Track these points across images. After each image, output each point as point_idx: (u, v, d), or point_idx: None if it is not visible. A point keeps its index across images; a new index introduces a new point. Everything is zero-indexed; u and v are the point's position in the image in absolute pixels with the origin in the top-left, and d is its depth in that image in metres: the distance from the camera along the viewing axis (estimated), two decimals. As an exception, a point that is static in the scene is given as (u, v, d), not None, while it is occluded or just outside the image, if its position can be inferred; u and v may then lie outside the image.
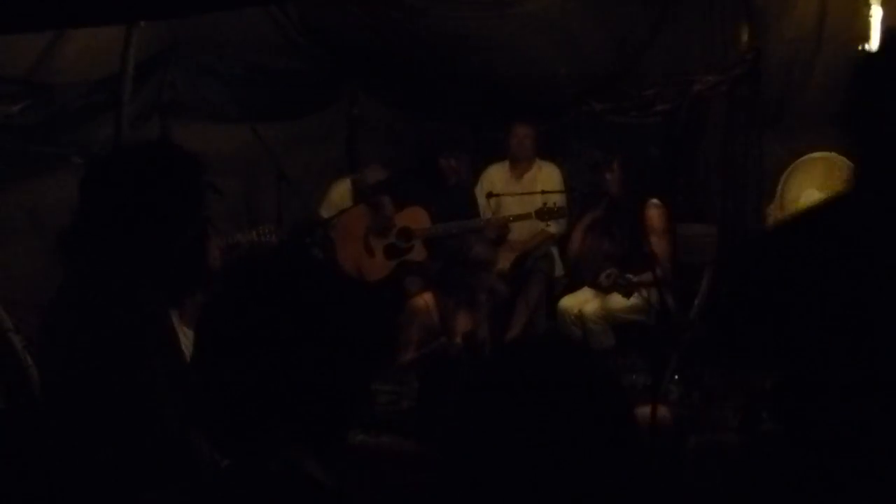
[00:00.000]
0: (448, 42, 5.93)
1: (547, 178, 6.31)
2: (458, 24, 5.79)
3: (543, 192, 5.94)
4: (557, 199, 5.91)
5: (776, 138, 5.68)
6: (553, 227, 6.17)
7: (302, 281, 1.41)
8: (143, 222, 2.12)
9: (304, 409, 1.35)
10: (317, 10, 6.02)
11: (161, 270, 2.16)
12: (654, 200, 5.64)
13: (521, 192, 6.15)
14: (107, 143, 4.99)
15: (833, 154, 5.09)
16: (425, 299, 4.93)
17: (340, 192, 6.24)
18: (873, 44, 4.74)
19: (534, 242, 6.26)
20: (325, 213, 6.17)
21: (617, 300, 5.56)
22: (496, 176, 6.43)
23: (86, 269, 2.13)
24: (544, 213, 5.85)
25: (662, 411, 4.09)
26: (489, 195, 6.10)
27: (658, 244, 5.52)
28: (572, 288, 5.98)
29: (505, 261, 6.00)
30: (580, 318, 5.70)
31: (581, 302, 5.78)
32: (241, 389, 1.34)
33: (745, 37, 5.86)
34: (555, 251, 6.30)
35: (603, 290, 5.55)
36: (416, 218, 5.94)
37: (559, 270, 6.29)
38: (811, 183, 5.30)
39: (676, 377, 4.81)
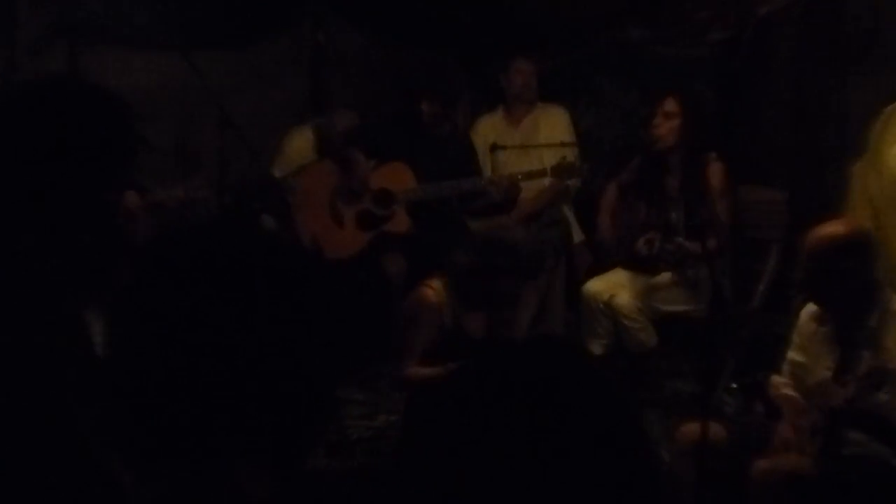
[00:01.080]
0: None
1: (552, 123, 6.40)
2: None
3: (552, 145, 6.08)
4: (570, 153, 6.01)
5: (864, 78, 5.78)
6: (571, 189, 6.26)
7: (248, 258, 1.41)
8: (44, 186, 2.08)
9: (249, 422, 1.37)
10: None
11: (70, 249, 2.13)
12: (713, 155, 5.65)
13: (521, 143, 6.26)
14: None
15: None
16: (435, 289, 4.76)
17: (300, 144, 6.30)
18: None
19: (541, 204, 6.30)
20: (280, 170, 6.23)
21: (660, 283, 5.59)
22: (488, 127, 6.53)
23: None
24: (563, 170, 5.89)
25: (716, 429, 4.08)
26: (493, 147, 6.16)
27: (717, 209, 5.55)
28: (600, 268, 6.03)
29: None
30: (610, 308, 5.71)
31: (612, 286, 5.79)
32: (167, 398, 1.35)
33: None
34: (569, 213, 6.38)
35: (643, 262, 5.56)
36: (397, 177, 5.97)
37: (578, 235, 6.37)
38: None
39: (734, 385, 4.81)
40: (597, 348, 5.73)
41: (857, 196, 5.46)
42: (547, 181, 6.10)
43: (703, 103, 6.14)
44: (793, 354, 4.23)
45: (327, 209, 5.97)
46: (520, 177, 5.98)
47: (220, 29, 6.31)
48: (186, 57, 5.61)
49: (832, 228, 4.11)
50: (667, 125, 5.60)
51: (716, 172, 5.63)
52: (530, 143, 6.24)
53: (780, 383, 4.25)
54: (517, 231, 5.16)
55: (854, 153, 5.53)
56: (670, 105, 5.61)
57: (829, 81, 5.86)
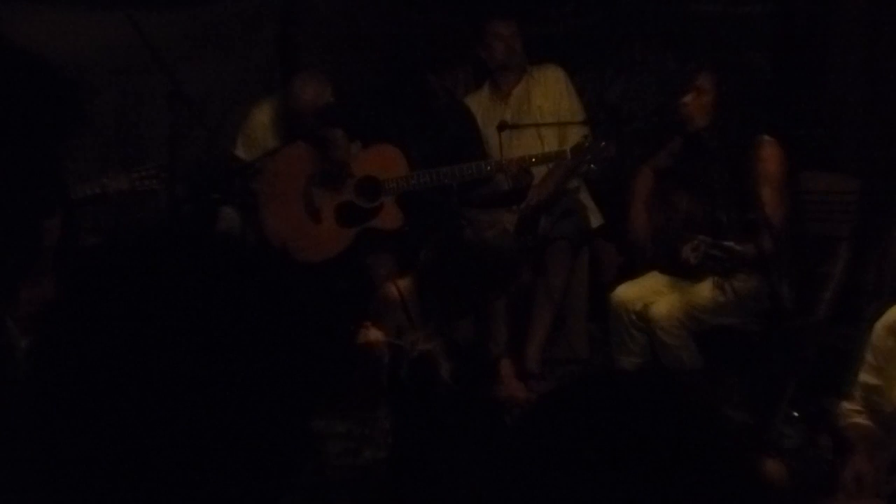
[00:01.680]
0: None
1: (546, 91, 6.46)
2: None
3: (554, 123, 6.22)
4: (574, 115, 6.22)
5: None
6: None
7: (204, 263, 1.42)
8: None
9: (207, 464, 1.36)
10: None
11: None
12: (767, 137, 5.65)
13: (515, 116, 6.36)
14: None
15: None
16: (400, 288, 4.94)
17: (266, 121, 6.32)
18: None
19: (547, 191, 6.28)
20: (244, 152, 6.25)
21: (705, 291, 5.59)
22: (472, 103, 6.56)
23: None
24: (584, 151, 5.89)
25: (773, 466, 4.15)
26: (502, 126, 6.12)
27: (770, 202, 5.52)
28: (632, 270, 6.03)
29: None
30: (645, 320, 5.72)
31: (647, 293, 5.80)
32: (104, 436, 1.35)
33: None
34: (586, 196, 6.43)
35: (689, 269, 5.57)
36: (386, 162, 5.97)
37: (597, 219, 6.40)
38: None
39: (794, 414, 4.80)
40: (629, 364, 5.75)
41: None
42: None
43: (752, 74, 6.25)
44: (865, 377, 4.16)
45: (301, 201, 5.97)
46: (533, 160, 5.98)
47: None
48: (130, 17, 5.64)
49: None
50: (696, 103, 5.62)
51: (769, 157, 5.62)
52: (523, 120, 6.27)
53: (851, 411, 4.18)
54: (491, 232, 5.29)
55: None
56: (703, 80, 5.63)
57: None
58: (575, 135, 6.10)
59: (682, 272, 5.67)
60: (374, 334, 4.80)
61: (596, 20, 6.63)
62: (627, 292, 5.83)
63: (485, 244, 4.97)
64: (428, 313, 4.97)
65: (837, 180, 6.05)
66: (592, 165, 5.96)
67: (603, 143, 5.87)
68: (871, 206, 5.84)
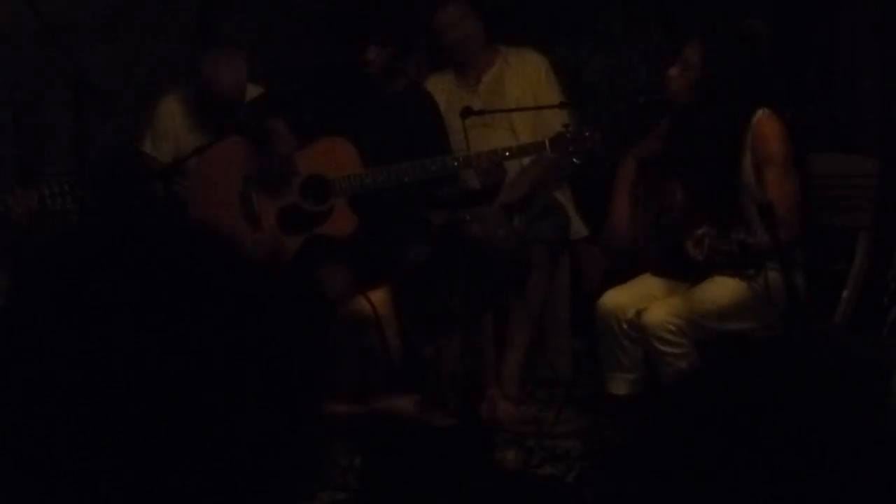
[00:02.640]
0: None
1: (524, 79, 6.46)
2: None
3: (530, 108, 6.17)
4: (551, 98, 6.18)
5: None
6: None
7: (130, 278, 1.44)
8: None
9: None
10: None
11: None
12: (765, 110, 5.57)
13: (488, 104, 6.31)
14: None
15: None
16: (376, 302, 4.83)
17: (178, 112, 6.32)
18: None
19: (523, 187, 6.29)
20: (154, 149, 6.28)
21: (708, 293, 5.51)
22: (436, 90, 6.52)
23: None
24: (565, 142, 5.85)
25: None
26: (465, 113, 6.05)
27: (776, 186, 5.44)
28: (619, 275, 5.91)
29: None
30: (639, 328, 5.60)
31: (639, 299, 5.70)
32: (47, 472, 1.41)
33: None
34: (567, 199, 6.43)
35: (693, 268, 5.45)
36: (335, 158, 5.94)
37: (580, 229, 6.39)
38: None
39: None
40: (620, 387, 5.67)
41: None
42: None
43: (751, 43, 6.02)
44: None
45: (237, 204, 5.90)
46: (506, 153, 5.92)
47: None
48: None
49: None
50: (683, 77, 5.56)
51: (769, 135, 5.53)
52: (495, 107, 6.25)
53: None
54: (494, 224, 5.32)
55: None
56: (691, 51, 5.57)
57: None
58: (554, 124, 6.02)
59: (683, 273, 5.58)
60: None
61: None
62: (617, 298, 5.71)
63: (498, 242, 4.93)
64: (406, 333, 4.90)
65: (855, 162, 6.00)
66: (575, 160, 5.93)
67: (587, 133, 5.84)
68: (893, 191, 5.79)
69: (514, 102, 6.43)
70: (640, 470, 1.45)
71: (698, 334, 5.51)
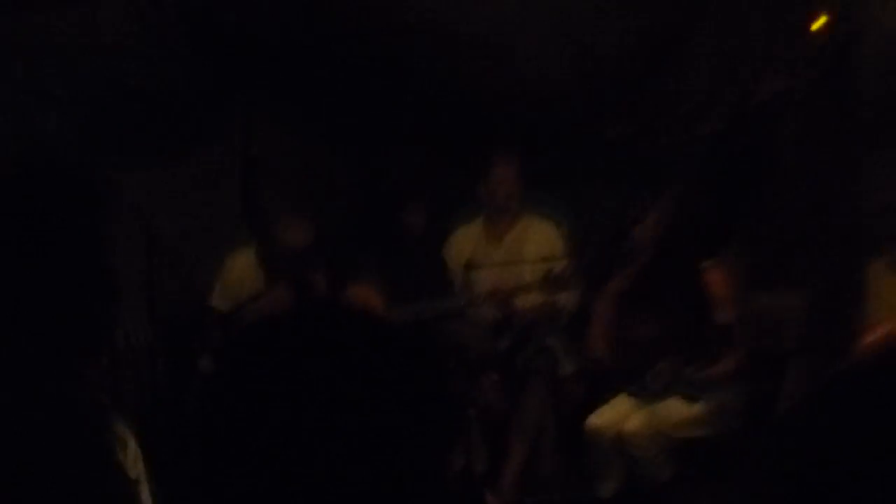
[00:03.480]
0: (401, 36, 6.52)
1: (540, 239, 6.81)
2: (419, 10, 6.45)
3: (544, 260, 6.51)
4: (563, 266, 6.46)
5: (881, 166, 6.38)
6: (567, 301, 6.65)
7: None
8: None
9: None
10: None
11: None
12: (716, 259, 6.22)
13: (504, 259, 6.69)
14: None
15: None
16: None
17: (244, 268, 6.59)
18: None
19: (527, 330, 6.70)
20: (222, 300, 6.53)
21: (673, 409, 6.03)
22: (465, 240, 6.91)
23: None
24: (551, 283, 6.34)
25: None
26: (468, 266, 6.60)
27: (727, 322, 6.07)
28: (599, 396, 6.44)
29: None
30: (620, 441, 6.11)
31: (618, 417, 6.20)
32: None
33: (825, 18, 6.43)
34: (558, 342, 6.76)
35: (651, 397, 6.02)
36: (364, 300, 6.16)
37: (568, 366, 6.70)
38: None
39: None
40: (607, 490, 6.14)
41: (877, 302, 6.17)
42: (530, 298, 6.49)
43: (693, 205, 6.68)
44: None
45: None
46: (503, 294, 6.44)
47: (143, 141, 6.82)
48: (106, 173, 5.67)
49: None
50: (646, 230, 6.15)
51: (716, 280, 6.11)
52: (513, 259, 6.64)
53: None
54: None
55: (873, 253, 6.24)
56: (658, 207, 6.22)
57: (846, 172, 6.39)
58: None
59: (648, 395, 6.12)
60: None
61: (545, 164, 7.08)
62: (601, 419, 6.23)
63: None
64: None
65: (785, 298, 6.38)
66: (562, 305, 6.49)
67: (569, 273, 6.38)
68: (819, 321, 6.21)
69: (530, 264, 6.61)
70: None
71: (668, 443, 5.98)
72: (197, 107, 7.08)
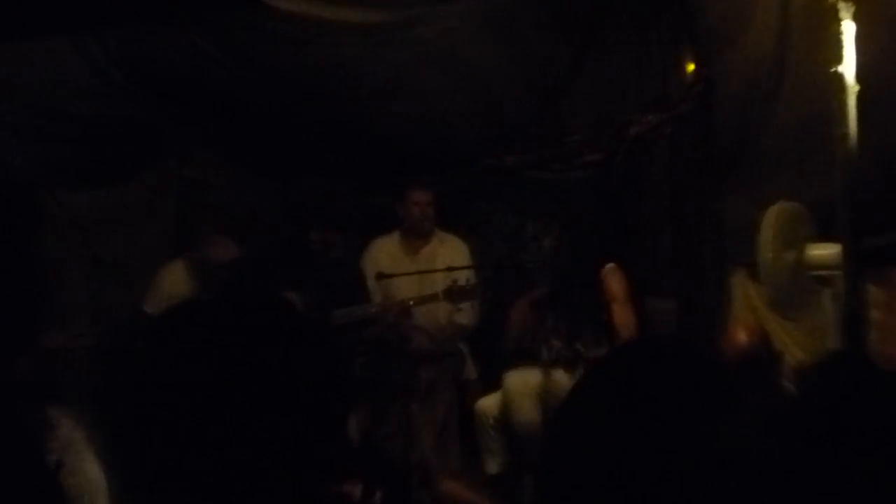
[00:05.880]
0: (316, 77, 6.86)
1: (451, 253, 7.27)
2: (330, 53, 6.73)
3: (450, 269, 6.95)
4: (467, 277, 6.90)
5: (738, 188, 7.04)
6: (464, 317, 7.11)
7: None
8: None
9: None
10: (142, 39, 6.86)
11: None
12: (612, 265, 6.78)
13: (419, 270, 7.11)
14: None
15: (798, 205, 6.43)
16: None
17: (176, 280, 6.94)
18: (846, 66, 5.76)
19: (440, 337, 7.17)
20: (153, 306, 6.84)
21: (559, 377, 6.44)
22: (383, 252, 7.32)
23: None
24: (455, 293, 6.79)
25: None
26: (379, 276, 7.01)
27: (621, 314, 6.61)
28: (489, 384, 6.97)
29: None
30: (503, 423, 6.64)
31: (504, 400, 6.74)
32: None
33: (690, 65, 7.11)
34: (464, 348, 7.31)
35: (544, 364, 6.44)
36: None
37: (472, 372, 7.27)
38: (778, 240, 6.53)
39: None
40: (493, 467, 6.67)
41: (740, 305, 6.82)
42: (445, 315, 6.92)
43: (583, 223, 7.32)
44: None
45: None
46: (411, 302, 6.83)
47: (87, 167, 7.19)
48: (53, 195, 6.60)
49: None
50: (546, 247, 6.66)
51: (615, 281, 6.69)
52: (428, 269, 7.06)
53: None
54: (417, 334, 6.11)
55: (731, 263, 6.90)
56: (555, 225, 6.74)
57: (703, 194, 7.10)
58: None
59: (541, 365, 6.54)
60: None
61: (448, 187, 7.54)
62: (487, 402, 6.81)
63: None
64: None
65: (660, 302, 7.17)
66: (460, 307, 6.90)
67: (469, 288, 6.83)
68: (686, 322, 6.88)
69: (442, 274, 7.01)
70: None
71: (552, 402, 6.15)
72: (138, 136, 7.39)
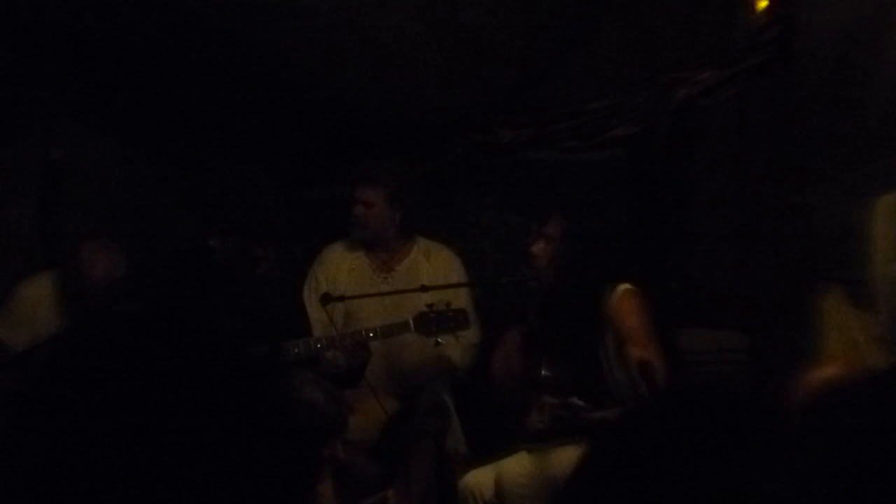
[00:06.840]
0: (228, 9, 6.00)
1: (440, 270, 6.53)
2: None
3: (425, 289, 6.02)
4: (454, 299, 6.09)
5: (830, 177, 6.06)
6: (454, 353, 6.35)
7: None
8: None
9: None
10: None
11: None
12: (625, 286, 5.73)
13: (394, 290, 6.34)
14: None
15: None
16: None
17: (40, 298, 6.29)
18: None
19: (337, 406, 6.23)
20: (7, 333, 6.13)
21: (563, 458, 5.50)
22: (342, 267, 6.62)
23: None
24: (430, 321, 5.85)
25: None
26: (326, 298, 6.04)
27: (641, 359, 5.47)
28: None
29: (364, 419, 6.02)
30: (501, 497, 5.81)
31: (499, 477, 5.85)
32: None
33: (762, 1, 6.30)
34: (450, 401, 6.35)
35: (537, 436, 5.70)
36: None
37: (462, 446, 6.35)
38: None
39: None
40: None
41: (835, 338, 5.41)
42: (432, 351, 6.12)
43: (606, 220, 6.34)
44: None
45: None
46: (371, 334, 5.83)
47: None
48: None
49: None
50: (543, 254, 5.70)
51: (628, 310, 5.66)
52: (406, 288, 6.25)
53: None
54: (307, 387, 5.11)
55: (825, 280, 5.63)
56: (551, 229, 5.70)
57: (782, 183, 6.19)
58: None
59: (536, 439, 5.72)
60: None
61: (421, 175, 6.71)
62: (478, 477, 5.87)
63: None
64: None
65: (719, 335, 6.19)
66: (440, 339, 5.92)
67: (450, 313, 5.87)
68: (762, 361, 5.92)
69: (429, 295, 6.24)
70: None
71: (551, 497, 5.42)
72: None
